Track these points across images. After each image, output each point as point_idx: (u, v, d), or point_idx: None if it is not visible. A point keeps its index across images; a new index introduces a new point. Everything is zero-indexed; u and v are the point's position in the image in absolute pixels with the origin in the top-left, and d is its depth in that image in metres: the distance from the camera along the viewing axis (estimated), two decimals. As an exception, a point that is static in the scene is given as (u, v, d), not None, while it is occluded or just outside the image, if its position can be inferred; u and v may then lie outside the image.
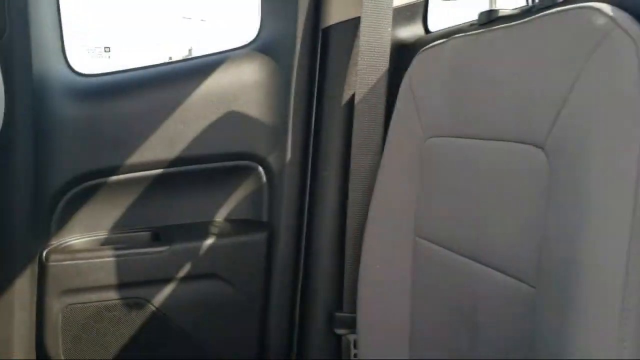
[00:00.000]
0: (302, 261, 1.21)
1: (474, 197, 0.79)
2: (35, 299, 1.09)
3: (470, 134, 0.81)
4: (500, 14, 0.87)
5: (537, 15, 0.71)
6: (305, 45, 1.17)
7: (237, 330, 1.18)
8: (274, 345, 1.21)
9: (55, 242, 1.13)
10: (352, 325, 1.10)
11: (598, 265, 0.56)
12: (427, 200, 0.92)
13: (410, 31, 1.18)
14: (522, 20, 0.74)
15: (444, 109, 0.88)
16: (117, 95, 1.16)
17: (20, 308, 1.07)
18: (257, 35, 1.22)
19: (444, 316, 0.86)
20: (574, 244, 0.59)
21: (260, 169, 1.21)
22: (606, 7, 0.61)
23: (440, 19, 1.23)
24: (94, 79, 1.16)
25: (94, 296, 1.09)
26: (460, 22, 1.03)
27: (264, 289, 1.19)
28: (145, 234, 1.17)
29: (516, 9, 0.84)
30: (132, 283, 1.11)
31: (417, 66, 0.98)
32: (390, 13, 1.09)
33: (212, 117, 1.17)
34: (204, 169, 1.18)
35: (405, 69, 0.99)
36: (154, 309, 1.12)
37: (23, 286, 1.07)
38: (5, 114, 0.97)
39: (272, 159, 1.20)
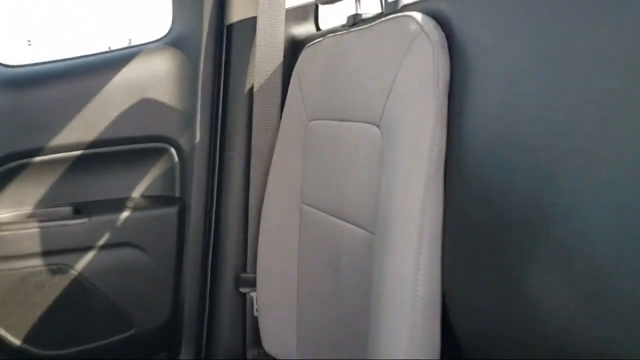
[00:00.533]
0: (211, 230, 1.36)
1: (338, 168, 0.97)
2: None
3: (336, 117, 0.98)
4: (363, 17, 1.05)
5: (378, 21, 0.89)
6: (211, 40, 1.32)
7: (153, 293, 1.32)
8: (187, 305, 1.36)
9: (-17, 217, 1.25)
10: (254, 284, 1.27)
11: (403, 214, 0.75)
12: (309, 172, 1.09)
13: (304, 29, 1.35)
14: (369, 25, 0.92)
15: (320, 97, 1.05)
16: (40, 84, 1.28)
17: None
18: (169, 31, 1.36)
19: (318, 266, 1.04)
20: (390, 199, 0.77)
21: (173, 150, 1.35)
22: (418, 16, 0.79)
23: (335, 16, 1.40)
24: (18, 70, 1.28)
25: (19, 263, 1.21)
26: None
27: (177, 256, 1.34)
28: (67, 209, 1.29)
29: (372, 14, 1.03)
30: (55, 251, 1.23)
31: (302, 60, 1.15)
32: (283, 13, 1.25)
33: (128, 104, 1.30)
34: (121, 150, 1.32)
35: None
36: (75, 274, 1.25)
37: (-47, 256, 1.18)
38: None
39: (183, 141, 1.34)
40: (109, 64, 1.31)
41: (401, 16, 0.82)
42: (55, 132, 1.26)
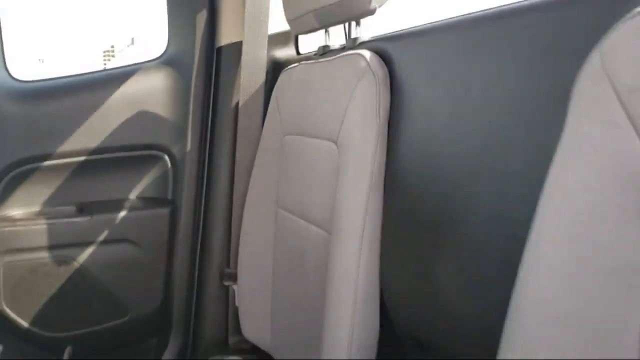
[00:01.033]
0: (199, 229, 1.53)
1: (305, 176, 1.13)
2: None
3: (305, 133, 1.15)
4: (331, 48, 1.22)
5: (338, 55, 1.06)
6: (202, 60, 1.49)
7: (146, 284, 1.49)
8: (176, 296, 1.52)
9: (-3, 214, 1.42)
10: (236, 278, 1.44)
11: (349, 217, 0.92)
12: (283, 180, 1.26)
13: (285, 52, 1.52)
14: (332, 57, 1.09)
15: (293, 115, 1.22)
16: (49, 97, 1.44)
17: None
18: (165, 51, 1.53)
19: (288, 262, 1.21)
20: (341, 203, 0.94)
21: (166, 157, 1.51)
22: (367, 54, 0.96)
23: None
24: (30, 84, 1.44)
25: (29, 255, 1.38)
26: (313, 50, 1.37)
27: (168, 251, 1.50)
28: (71, 208, 1.46)
29: (338, 46, 1.20)
30: (60, 245, 1.40)
31: (280, 82, 1.32)
32: (266, 39, 1.42)
33: (127, 116, 1.47)
34: (120, 157, 1.48)
35: None
36: (77, 265, 1.42)
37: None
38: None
39: (175, 150, 1.51)
40: (110, 80, 1.47)
41: (355, 54, 0.99)
42: (62, 140, 1.43)
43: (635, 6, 0.49)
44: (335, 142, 1.01)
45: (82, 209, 1.46)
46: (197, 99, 1.50)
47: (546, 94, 0.65)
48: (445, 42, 0.82)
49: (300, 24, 1.21)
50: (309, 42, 1.56)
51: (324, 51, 1.22)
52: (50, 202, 1.45)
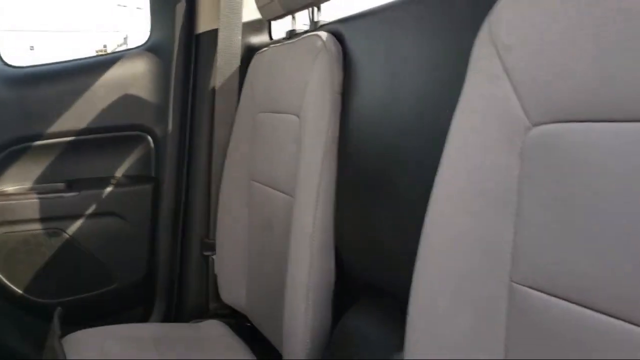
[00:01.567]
0: (180, 204, 1.64)
1: (274, 148, 1.25)
2: None
3: (274, 109, 1.27)
4: (297, 32, 1.34)
5: (300, 37, 1.18)
6: (182, 47, 1.61)
7: (131, 254, 1.60)
8: (160, 265, 1.64)
9: (-8, 190, 1.53)
10: (215, 248, 1.55)
11: (307, 180, 1.04)
12: (256, 155, 1.38)
13: (259, 38, 1.63)
14: (296, 40, 1.21)
15: (264, 94, 1.34)
16: (40, 82, 1.55)
17: None
18: (147, 39, 1.64)
19: (260, 228, 1.32)
20: (300, 169, 1.06)
21: (149, 137, 1.63)
22: (324, 35, 1.08)
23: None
24: (22, 70, 1.55)
25: (22, 227, 1.49)
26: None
27: (152, 224, 1.62)
28: (61, 184, 1.57)
29: (302, 30, 1.32)
30: (50, 218, 1.51)
31: (253, 65, 1.44)
32: (240, 26, 1.54)
33: (112, 99, 1.58)
34: (106, 137, 1.59)
35: None
36: (67, 236, 1.53)
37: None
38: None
39: (157, 130, 1.62)
40: (97, 66, 1.59)
41: (313, 35, 1.11)
42: (52, 121, 1.54)
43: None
44: (297, 115, 1.13)
45: (71, 185, 1.57)
46: (177, 82, 1.61)
47: (463, 62, 0.77)
48: (384, 23, 0.94)
49: (268, 10, 1.33)
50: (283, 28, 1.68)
51: (291, 35, 1.34)
52: (41, 178, 1.56)
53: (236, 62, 1.54)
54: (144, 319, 1.64)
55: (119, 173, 1.63)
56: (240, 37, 1.54)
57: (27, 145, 1.52)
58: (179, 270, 1.64)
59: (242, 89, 1.47)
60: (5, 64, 1.54)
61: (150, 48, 1.63)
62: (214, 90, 1.59)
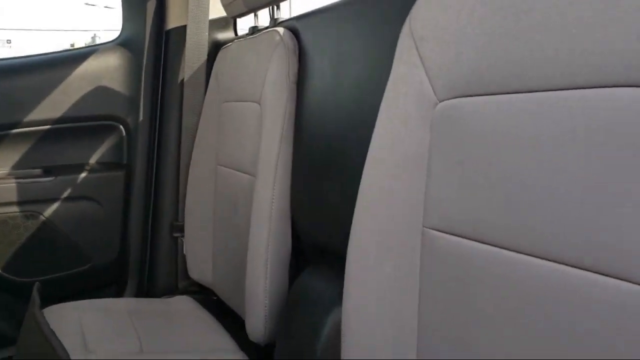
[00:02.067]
0: (151, 189, 1.75)
1: (238, 134, 1.38)
2: None
3: (238, 99, 1.39)
4: (258, 28, 1.46)
5: (260, 33, 1.30)
6: (152, 42, 1.72)
7: (105, 236, 1.71)
8: (132, 247, 1.74)
9: (-29, 176, 1.62)
10: (184, 230, 1.67)
11: (266, 159, 1.17)
12: (221, 141, 1.50)
13: (224, 35, 1.75)
14: (256, 35, 1.33)
15: (228, 84, 1.46)
16: (17, 73, 1.64)
17: None
18: (119, 35, 1.75)
19: (225, 209, 1.45)
20: (261, 150, 1.19)
21: (121, 127, 1.74)
22: (281, 30, 1.21)
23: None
24: (2, 61, 1.64)
25: (0, 209, 1.59)
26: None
27: (124, 208, 1.72)
28: (38, 170, 1.66)
29: (263, 26, 1.44)
30: (28, 201, 1.61)
31: (219, 58, 1.56)
32: (207, 23, 1.65)
33: (86, 90, 1.68)
34: (81, 126, 1.69)
35: None
36: (44, 219, 1.63)
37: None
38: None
39: (129, 120, 1.73)
40: (73, 59, 1.69)
41: (272, 30, 1.24)
42: (29, 110, 1.63)
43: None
44: (258, 103, 1.26)
45: (47, 171, 1.66)
46: (148, 76, 1.72)
47: (394, 54, 0.91)
48: (333, 19, 1.07)
49: (233, 8, 1.45)
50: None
51: (253, 31, 1.47)
52: (19, 164, 1.66)
53: (203, 57, 1.66)
54: (117, 297, 1.74)
55: (93, 160, 1.73)
56: (207, 33, 1.66)
57: (5, 133, 1.61)
58: (150, 251, 1.75)
59: (209, 81, 1.59)
60: (-16, 56, 1.63)
61: (122, 43, 1.73)
62: (182, 82, 1.70)
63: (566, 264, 0.52)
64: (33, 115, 1.63)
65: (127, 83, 1.72)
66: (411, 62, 0.75)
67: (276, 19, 1.35)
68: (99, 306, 1.46)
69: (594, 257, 0.50)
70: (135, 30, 1.73)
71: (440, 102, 0.70)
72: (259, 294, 1.17)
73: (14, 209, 1.60)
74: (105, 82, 1.70)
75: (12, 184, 1.59)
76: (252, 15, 1.53)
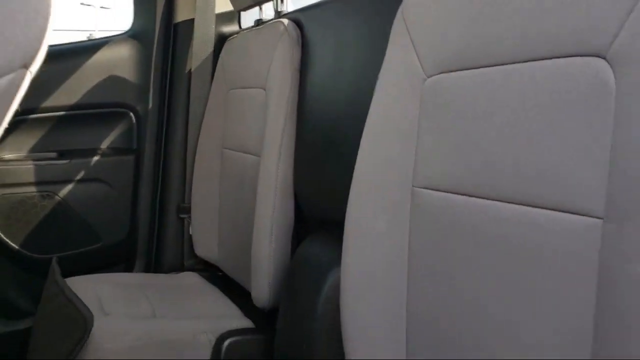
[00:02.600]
0: (159, 172, 1.85)
1: (244, 118, 1.48)
2: None
3: (244, 85, 1.49)
4: (263, 21, 1.57)
5: (266, 24, 1.41)
6: (162, 35, 1.82)
7: (115, 217, 1.81)
8: (141, 227, 1.84)
9: (-10, 158, 1.72)
10: (190, 211, 1.77)
11: (271, 140, 1.28)
12: (228, 126, 1.60)
13: (230, 28, 1.86)
14: (262, 26, 1.44)
15: (234, 73, 1.57)
16: (33, 62, 1.74)
17: None
18: (130, 27, 1.85)
19: (231, 188, 1.55)
20: (266, 132, 1.30)
21: (131, 114, 1.84)
22: (285, 21, 1.32)
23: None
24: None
25: (19, 189, 1.68)
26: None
27: (134, 190, 1.83)
28: (54, 153, 1.76)
29: (268, 19, 1.55)
30: (44, 182, 1.71)
31: (225, 49, 1.67)
32: (214, 17, 1.76)
33: (99, 79, 1.78)
34: (94, 113, 1.80)
35: None
36: (59, 199, 1.73)
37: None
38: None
39: (139, 108, 1.83)
40: (87, 50, 1.79)
41: (277, 21, 1.35)
42: (46, 97, 1.73)
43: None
44: (264, 88, 1.37)
45: (62, 154, 1.76)
46: (157, 66, 1.83)
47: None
48: (334, 12, 1.19)
49: (239, 1, 1.56)
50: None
51: (258, 23, 1.58)
52: (36, 148, 1.75)
53: (210, 48, 1.76)
54: (126, 274, 1.84)
55: (105, 145, 1.83)
56: (213, 26, 1.76)
57: (23, 118, 1.71)
58: (157, 231, 1.85)
59: (215, 71, 1.70)
60: (4, 46, 1.73)
61: (133, 35, 1.84)
62: (190, 72, 1.81)
63: (524, 205, 0.64)
64: (49, 102, 1.73)
65: (137, 73, 1.82)
66: (403, 45, 0.86)
67: (280, 12, 1.45)
68: (111, 279, 1.57)
69: (546, 196, 0.61)
70: (145, 23, 1.83)
71: (428, 78, 0.81)
72: (264, 263, 1.28)
73: (31, 189, 1.70)
74: (117, 72, 1.80)
75: (29, 166, 1.69)
76: (256, 9, 1.64)
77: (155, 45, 1.82)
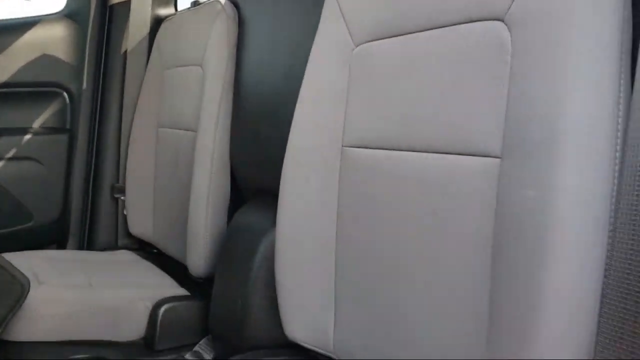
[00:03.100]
0: (92, 152, 1.86)
1: (177, 94, 1.52)
2: None
3: (179, 64, 1.54)
4: (200, 2, 1.62)
5: (202, 5, 1.46)
6: (97, 15, 1.83)
7: (48, 196, 1.80)
8: (74, 207, 1.84)
9: None
10: (124, 191, 1.79)
11: (207, 114, 1.33)
12: (163, 105, 1.64)
13: (166, 10, 1.89)
14: (198, 7, 1.49)
15: (170, 53, 1.61)
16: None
17: None
18: (65, 6, 1.85)
19: (166, 167, 1.59)
20: (202, 108, 1.35)
21: (65, 94, 1.83)
22: (223, 1, 1.37)
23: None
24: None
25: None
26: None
27: (67, 170, 1.82)
28: (-16, 132, 1.74)
29: (200, 1, 1.60)
30: (-26, 160, 1.69)
31: (161, 30, 1.71)
32: (150, -1, 1.80)
33: (32, 57, 1.77)
34: (26, 92, 1.78)
35: None
36: (-11, 177, 1.72)
37: None
38: None
39: (73, 87, 1.83)
40: (20, 27, 1.77)
41: (214, 1, 1.40)
42: None
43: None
44: (200, 66, 1.42)
45: None
46: (92, 46, 1.84)
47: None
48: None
49: (176, -16, 1.60)
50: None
51: (195, 5, 1.62)
52: None
53: (146, 30, 1.79)
54: (58, 253, 1.84)
55: (37, 124, 1.82)
56: (150, 8, 1.79)
57: None
58: (91, 211, 1.86)
59: (151, 52, 1.73)
60: None
61: (68, 14, 1.84)
62: (125, 54, 1.83)
63: (437, 152, 0.73)
64: (-21, 79, 1.71)
65: (71, 53, 1.82)
66: (334, 17, 0.94)
67: (218, -6, 1.51)
68: (44, 255, 1.57)
69: (454, 143, 0.70)
70: (81, 3, 1.84)
71: (356, 47, 0.89)
72: (200, 233, 1.33)
73: (-39, 167, 1.67)
74: (50, 51, 1.80)
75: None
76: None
77: (90, 26, 1.83)
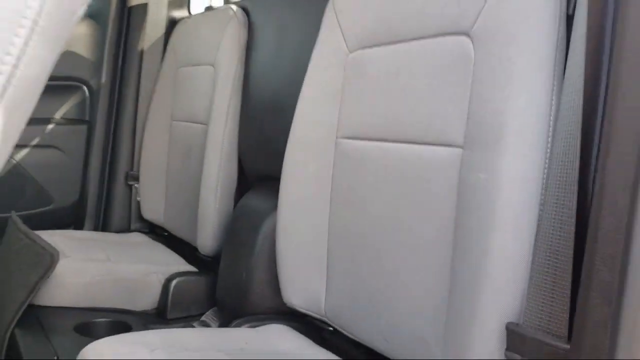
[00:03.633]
0: (109, 142, 2.01)
1: (194, 91, 1.67)
2: None
3: (193, 63, 1.69)
4: (213, 7, 1.77)
5: (215, 10, 1.61)
6: (116, 16, 1.99)
7: (67, 181, 1.95)
8: (91, 192, 1.99)
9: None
10: (138, 178, 1.95)
11: (218, 110, 1.48)
12: (177, 99, 1.79)
13: (180, 12, 2.04)
14: (211, 11, 1.64)
15: (184, 52, 1.76)
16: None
17: None
18: (88, 6, 2.00)
19: (178, 158, 1.73)
20: (213, 103, 1.50)
21: (85, 87, 1.99)
22: (234, 7, 1.53)
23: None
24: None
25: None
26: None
27: (85, 157, 1.98)
28: (9, 120, 1.89)
29: (218, 6, 1.75)
30: (2, 146, 1.83)
31: (175, 32, 1.86)
32: (166, 2, 1.95)
33: (56, 53, 1.92)
34: (50, 85, 1.92)
35: None
36: (14, 162, 1.86)
37: None
38: None
39: (92, 82, 1.98)
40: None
41: (226, 7, 1.56)
42: None
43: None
44: (212, 65, 1.57)
45: None
46: (111, 44, 1.99)
47: (322, 25, 1.24)
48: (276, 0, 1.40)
49: (191, -11, 1.75)
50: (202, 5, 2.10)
51: (208, 9, 1.78)
52: None
53: (161, 30, 1.95)
54: (75, 235, 1.99)
55: (59, 115, 1.98)
56: (165, 11, 1.95)
57: None
58: (106, 196, 2.01)
59: (165, 51, 1.88)
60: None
61: (89, 15, 1.99)
62: (142, 52, 1.98)
63: (414, 143, 0.88)
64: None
65: (91, 50, 1.97)
66: (332, 27, 1.09)
67: None
68: (65, 233, 1.72)
69: (427, 135, 0.85)
70: (102, 5, 1.99)
71: (350, 53, 1.04)
72: (210, 215, 1.48)
73: (-11, 151, 1.82)
74: (73, 48, 1.95)
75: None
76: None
77: (109, 26, 1.98)
